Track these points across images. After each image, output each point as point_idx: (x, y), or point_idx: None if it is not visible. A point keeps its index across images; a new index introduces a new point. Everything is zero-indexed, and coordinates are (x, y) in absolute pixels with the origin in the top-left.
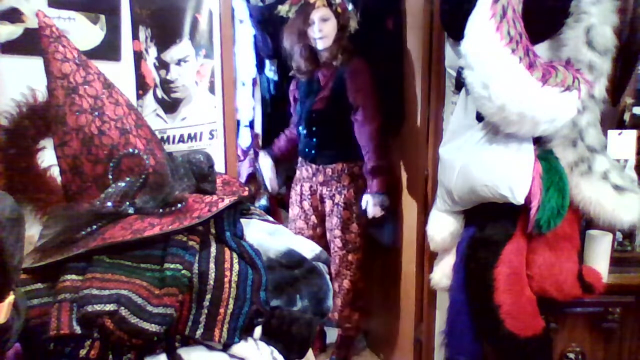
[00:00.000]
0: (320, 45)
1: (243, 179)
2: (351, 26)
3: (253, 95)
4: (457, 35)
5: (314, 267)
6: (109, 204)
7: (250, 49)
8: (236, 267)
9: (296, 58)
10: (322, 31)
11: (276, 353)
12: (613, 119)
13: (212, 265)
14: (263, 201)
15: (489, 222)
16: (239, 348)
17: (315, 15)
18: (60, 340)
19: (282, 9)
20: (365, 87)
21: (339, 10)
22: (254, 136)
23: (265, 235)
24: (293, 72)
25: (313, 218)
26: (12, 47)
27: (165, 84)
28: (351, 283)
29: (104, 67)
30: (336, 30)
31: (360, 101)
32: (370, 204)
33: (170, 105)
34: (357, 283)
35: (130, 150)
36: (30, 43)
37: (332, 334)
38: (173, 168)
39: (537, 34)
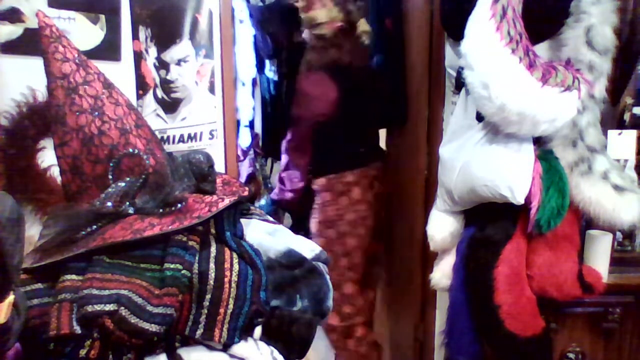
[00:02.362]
0: None
1: (243, 179)
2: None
3: (253, 95)
4: (457, 35)
5: (314, 267)
6: (109, 204)
7: (250, 49)
8: (236, 267)
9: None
10: None
11: (276, 353)
12: (613, 119)
13: (212, 265)
14: (263, 201)
15: (489, 222)
16: (239, 348)
17: None
18: (60, 340)
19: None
20: (300, 110)
21: None
22: (254, 136)
23: (265, 235)
24: None
25: None
26: (12, 47)
27: (165, 84)
28: None
29: (104, 67)
30: None
31: (291, 125)
32: None
33: (170, 105)
34: None
35: (130, 150)
36: (30, 43)
37: None
38: (173, 168)
39: (537, 34)
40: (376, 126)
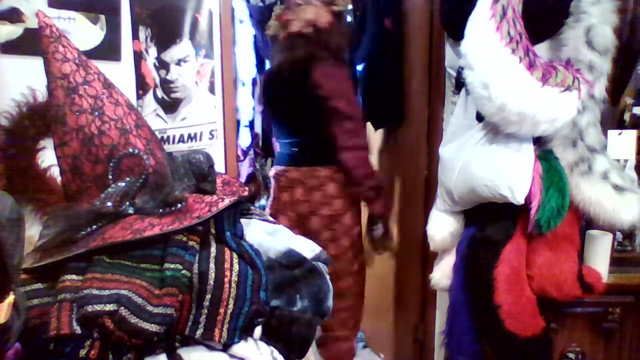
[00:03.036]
0: None
1: (243, 179)
2: None
3: (253, 95)
4: (457, 35)
5: (314, 267)
6: (109, 204)
7: (250, 49)
8: (236, 267)
9: None
10: None
11: (276, 353)
12: (613, 119)
13: (212, 265)
14: (263, 201)
15: (489, 222)
16: (239, 348)
17: None
18: (60, 340)
19: None
20: None
21: None
22: (254, 136)
23: (265, 235)
24: None
25: None
26: (12, 47)
27: (165, 84)
28: None
29: (104, 67)
30: None
31: None
32: None
33: (170, 105)
34: None
35: (130, 150)
36: (30, 43)
37: None
38: (173, 168)
39: (537, 34)
40: (377, 127)
